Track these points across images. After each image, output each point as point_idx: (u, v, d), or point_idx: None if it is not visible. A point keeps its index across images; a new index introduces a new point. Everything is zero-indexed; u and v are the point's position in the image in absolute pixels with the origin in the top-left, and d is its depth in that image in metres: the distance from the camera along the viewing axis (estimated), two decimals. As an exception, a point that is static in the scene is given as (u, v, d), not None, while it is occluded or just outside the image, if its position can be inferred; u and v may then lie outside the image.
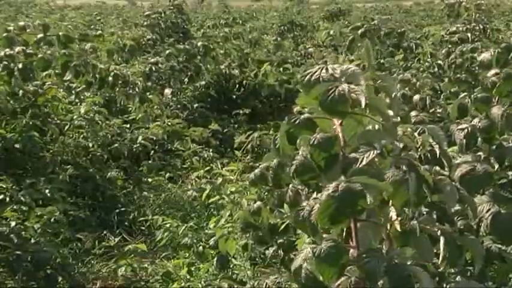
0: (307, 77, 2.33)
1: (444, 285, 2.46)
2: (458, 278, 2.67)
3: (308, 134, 2.34)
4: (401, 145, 2.34)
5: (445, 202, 2.42)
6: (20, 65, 6.73)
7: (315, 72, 2.33)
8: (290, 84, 10.68)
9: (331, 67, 2.33)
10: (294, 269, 2.37)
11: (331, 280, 2.23)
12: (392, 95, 2.41)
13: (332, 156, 2.27)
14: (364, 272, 2.14)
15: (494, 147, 3.10)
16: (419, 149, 2.53)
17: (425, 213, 2.46)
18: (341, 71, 2.32)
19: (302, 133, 2.38)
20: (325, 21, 20.36)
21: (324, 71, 2.33)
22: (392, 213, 2.32)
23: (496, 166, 3.07)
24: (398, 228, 2.29)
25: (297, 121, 2.39)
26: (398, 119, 2.45)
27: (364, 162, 2.18)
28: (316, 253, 2.21)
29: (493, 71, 3.27)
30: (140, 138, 7.97)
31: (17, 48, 6.84)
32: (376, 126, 2.35)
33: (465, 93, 3.50)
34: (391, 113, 2.36)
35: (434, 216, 2.49)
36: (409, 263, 2.19)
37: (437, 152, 2.49)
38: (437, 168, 2.47)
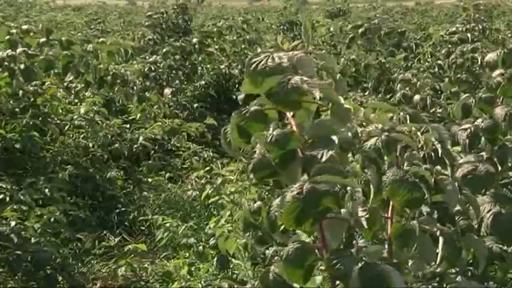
0: (253, 65, 2.26)
1: (444, 286, 2.46)
2: (458, 278, 2.67)
3: (259, 126, 2.28)
4: (349, 134, 2.29)
5: (447, 202, 2.41)
6: (22, 66, 6.74)
7: (261, 60, 2.26)
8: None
9: (277, 55, 2.26)
10: (261, 274, 2.35)
11: (299, 282, 2.20)
12: (337, 77, 2.36)
13: (289, 152, 2.22)
14: (334, 273, 2.11)
15: (497, 147, 3.09)
16: (422, 149, 2.51)
17: (426, 213, 2.45)
18: (288, 58, 2.25)
19: (253, 126, 2.31)
20: (325, 18, 20.35)
21: (270, 59, 2.26)
22: (359, 209, 2.29)
23: (500, 167, 3.06)
24: (365, 226, 2.25)
25: (247, 113, 2.31)
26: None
27: (324, 159, 2.13)
28: (284, 255, 2.18)
29: (497, 71, 3.26)
30: (141, 138, 7.97)
31: (19, 49, 6.85)
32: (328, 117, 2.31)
33: (468, 94, 3.49)
34: (342, 100, 2.31)
35: (435, 217, 2.49)
36: (410, 263, 2.18)
37: (440, 152, 2.48)
38: (439, 167, 2.46)
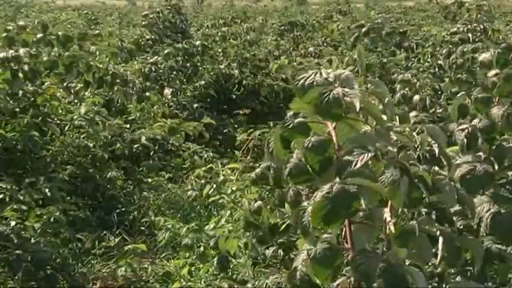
0: (301, 81, 2.34)
1: (443, 286, 2.47)
2: (458, 279, 2.67)
3: (302, 138, 2.35)
4: (395, 149, 2.35)
5: (444, 202, 2.43)
6: (26, 67, 6.76)
7: (309, 76, 2.34)
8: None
9: (324, 72, 2.35)
10: (289, 272, 2.39)
11: (326, 282, 2.25)
12: (386, 101, 2.42)
13: (326, 159, 2.29)
14: (359, 273, 2.15)
15: (494, 147, 3.09)
16: (417, 149, 2.53)
17: (424, 213, 2.45)
18: (335, 76, 2.33)
19: (296, 137, 2.39)
20: (334, 16, 20.31)
21: (318, 75, 2.34)
22: (386, 215, 2.34)
23: (497, 166, 3.06)
24: (393, 230, 2.30)
25: (291, 125, 2.39)
26: (395, 123, 2.46)
27: (358, 165, 2.19)
28: (312, 255, 2.24)
29: (493, 71, 3.26)
30: (143, 138, 7.96)
31: (22, 50, 6.86)
32: (370, 131, 2.36)
33: (463, 93, 3.49)
34: (384, 117, 2.37)
35: (434, 217, 2.49)
36: (407, 263, 2.20)
37: (436, 152, 2.49)
38: (436, 168, 2.47)
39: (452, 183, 2.49)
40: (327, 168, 2.28)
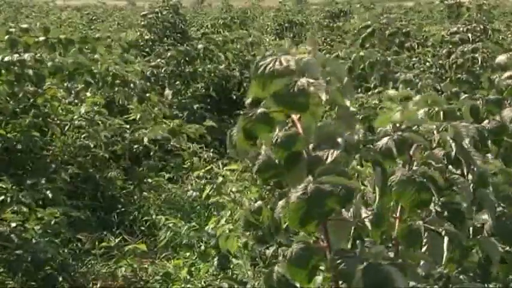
0: (261, 68, 2.26)
1: (450, 287, 2.45)
2: (461, 277, 2.65)
3: (265, 129, 2.29)
4: (356, 137, 2.30)
5: (459, 201, 2.39)
6: (31, 71, 6.79)
7: (269, 63, 2.26)
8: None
9: (284, 58, 2.27)
10: (265, 273, 2.35)
11: (303, 282, 2.20)
12: (344, 81, 2.36)
13: (295, 154, 2.23)
14: (338, 273, 2.11)
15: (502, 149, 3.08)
16: (444, 147, 2.48)
17: (435, 213, 2.42)
18: (295, 62, 2.26)
19: (259, 128, 2.31)
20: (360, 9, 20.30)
21: (277, 63, 2.26)
22: (363, 212, 2.31)
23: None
24: (370, 227, 2.26)
25: (254, 116, 2.32)
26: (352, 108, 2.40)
27: (329, 160, 2.15)
28: (287, 256, 2.19)
29: (507, 74, 3.25)
30: (146, 140, 7.94)
31: (27, 55, 6.87)
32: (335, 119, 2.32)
33: (468, 95, 3.48)
34: (347, 102, 2.32)
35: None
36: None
37: (454, 151, 2.43)
38: (450, 167, 2.43)
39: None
40: (296, 163, 2.23)
